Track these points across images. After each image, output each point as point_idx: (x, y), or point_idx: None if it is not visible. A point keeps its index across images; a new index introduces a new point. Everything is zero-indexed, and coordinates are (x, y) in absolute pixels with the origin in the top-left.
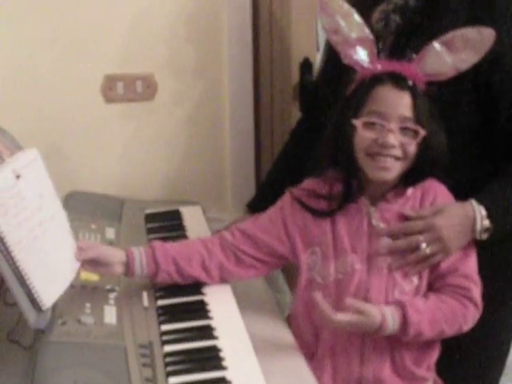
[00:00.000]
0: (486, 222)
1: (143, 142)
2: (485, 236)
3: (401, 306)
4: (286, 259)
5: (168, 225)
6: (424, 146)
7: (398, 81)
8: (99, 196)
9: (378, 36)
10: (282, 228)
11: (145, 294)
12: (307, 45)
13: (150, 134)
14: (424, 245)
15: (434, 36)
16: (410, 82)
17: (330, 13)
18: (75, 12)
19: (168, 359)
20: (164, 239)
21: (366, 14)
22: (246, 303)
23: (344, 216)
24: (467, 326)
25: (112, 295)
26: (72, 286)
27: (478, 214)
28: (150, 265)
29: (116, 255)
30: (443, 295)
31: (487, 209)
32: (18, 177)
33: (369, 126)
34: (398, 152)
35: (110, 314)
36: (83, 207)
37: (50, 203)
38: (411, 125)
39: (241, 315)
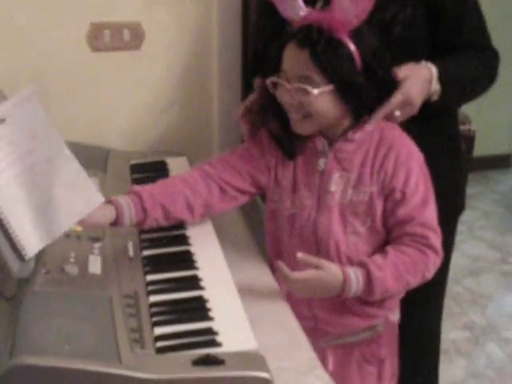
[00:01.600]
0: (437, 86)
1: (129, 91)
2: (434, 98)
3: (362, 264)
4: (263, 189)
5: (153, 175)
6: (346, 94)
7: (302, 38)
8: (83, 146)
9: None
10: (263, 159)
11: (130, 244)
12: None
13: (137, 83)
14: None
15: None
16: (314, 36)
17: None
18: None
19: (153, 309)
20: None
21: None
22: (231, 250)
23: (303, 155)
24: (430, 273)
25: (97, 245)
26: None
27: (434, 75)
28: (139, 214)
29: (106, 214)
30: (402, 246)
31: (439, 73)
32: (1, 120)
33: (276, 85)
34: (297, 111)
35: (95, 264)
36: None
37: (46, 145)
38: (303, 84)
39: (227, 264)
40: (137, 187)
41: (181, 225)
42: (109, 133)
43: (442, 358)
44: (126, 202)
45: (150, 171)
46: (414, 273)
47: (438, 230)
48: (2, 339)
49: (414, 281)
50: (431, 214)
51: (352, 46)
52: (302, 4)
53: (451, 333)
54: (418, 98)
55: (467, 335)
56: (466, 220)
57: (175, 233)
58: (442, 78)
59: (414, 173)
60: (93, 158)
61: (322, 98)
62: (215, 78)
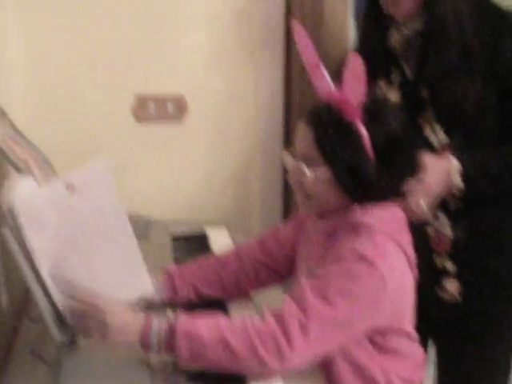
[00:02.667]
0: (458, 179)
1: (172, 161)
2: (455, 191)
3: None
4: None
5: (194, 247)
6: (342, 179)
7: (309, 116)
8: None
9: (396, 55)
10: (294, 239)
11: (169, 312)
12: None
13: (179, 154)
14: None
15: (447, 50)
16: (322, 116)
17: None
18: (108, 32)
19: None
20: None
21: (380, 35)
22: None
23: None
24: (266, 353)
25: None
26: None
27: (454, 168)
28: (169, 291)
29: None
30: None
31: (464, 167)
32: (72, 188)
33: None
34: (299, 191)
35: None
36: None
37: (112, 222)
38: (302, 164)
39: None
40: (171, 266)
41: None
42: (150, 202)
43: None
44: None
45: (191, 242)
46: (239, 337)
47: (310, 325)
48: None
49: (239, 348)
50: (319, 305)
51: (363, 131)
52: (328, 82)
53: None
54: (435, 189)
55: None
56: None
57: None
58: (468, 172)
59: (343, 269)
60: (134, 227)
61: (318, 181)
62: (258, 150)
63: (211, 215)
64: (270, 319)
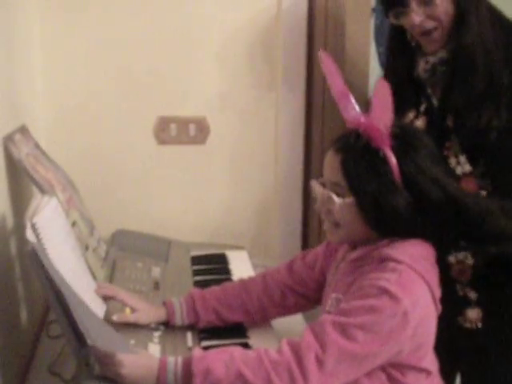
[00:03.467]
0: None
1: (193, 184)
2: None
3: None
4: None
5: (214, 268)
6: (366, 210)
7: (337, 142)
8: (146, 235)
9: (424, 84)
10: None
11: (189, 334)
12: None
13: (200, 176)
14: None
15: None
16: (350, 142)
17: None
18: (132, 54)
19: None
20: (209, 282)
21: (407, 63)
22: None
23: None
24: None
25: (156, 333)
26: (116, 322)
27: None
28: (190, 316)
29: (153, 317)
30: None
31: None
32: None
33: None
34: (327, 218)
35: (154, 353)
36: (130, 246)
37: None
38: (330, 191)
39: None
40: (194, 290)
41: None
42: (171, 224)
43: None
44: (178, 302)
45: (210, 263)
46: (254, 369)
47: (327, 359)
48: None
49: (256, 381)
50: (338, 339)
51: (393, 159)
52: (356, 109)
53: None
54: None
55: None
56: None
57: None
58: None
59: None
60: (155, 248)
61: (345, 209)
62: (278, 177)
63: (231, 239)
64: (287, 350)
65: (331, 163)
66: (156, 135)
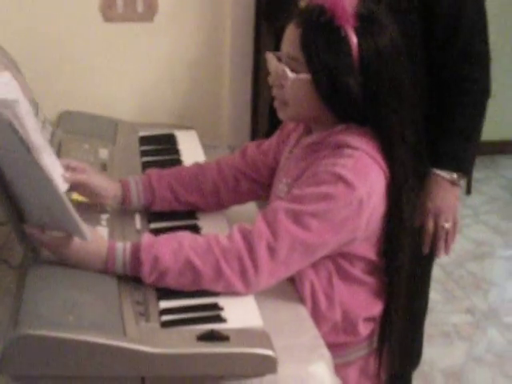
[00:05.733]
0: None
1: (141, 63)
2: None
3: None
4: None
5: (162, 148)
6: (321, 87)
7: (298, 15)
8: (93, 116)
9: None
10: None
11: (137, 217)
12: None
13: (148, 55)
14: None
15: None
16: (312, 17)
17: None
18: None
19: None
20: (158, 163)
21: None
22: None
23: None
24: (232, 273)
25: (104, 216)
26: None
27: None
28: (147, 193)
29: (109, 189)
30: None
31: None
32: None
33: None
34: (278, 94)
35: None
36: (77, 127)
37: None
38: (285, 65)
39: None
40: (150, 169)
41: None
42: (118, 104)
43: (443, 341)
44: (134, 180)
45: (159, 143)
46: (204, 256)
47: (279, 248)
48: (7, 309)
49: (204, 268)
50: (290, 227)
51: (354, 39)
52: None
53: (453, 316)
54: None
55: (469, 319)
56: (472, 204)
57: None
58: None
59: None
60: (102, 129)
61: (298, 85)
62: (228, 56)
63: (180, 120)
64: (237, 237)
65: (290, 37)
66: (102, 12)
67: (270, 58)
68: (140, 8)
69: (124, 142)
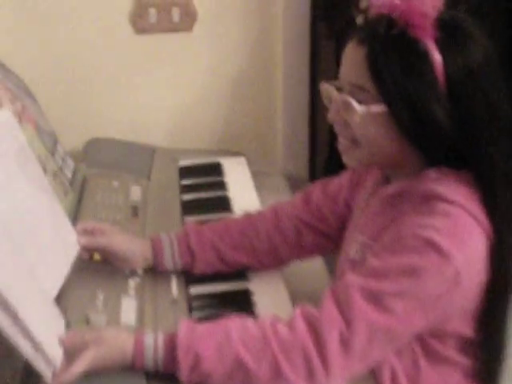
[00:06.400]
0: None
1: (179, 80)
2: None
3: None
4: None
5: (206, 182)
6: (401, 120)
7: (361, 32)
8: (125, 144)
9: None
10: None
11: (174, 279)
12: None
13: (187, 71)
14: None
15: None
16: (380, 30)
17: None
18: None
19: None
20: (201, 202)
21: None
22: None
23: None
24: (294, 373)
25: (133, 281)
26: (82, 267)
27: None
28: (185, 256)
29: (137, 252)
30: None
31: None
32: None
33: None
34: (344, 133)
35: (128, 310)
36: (105, 159)
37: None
38: (349, 97)
39: None
40: (188, 224)
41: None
42: (154, 128)
43: None
44: (168, 239)
45: (203, 175)
46: (257, 353)
47: (355, 340)
48: None
49: (259, 369)
50: (369, 313)
51: (436, 55)
52: None
53: None
54: None
55: None
56: None
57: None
58: None
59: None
60: (135, 159)
61: (369, 121)
62: (280, 67)
63: (226, 144)
64: (301, 326)
65: (352, 59)
66: (133, 22)
67: (327, 89)
68: (176, 17)
69: (161, 176)
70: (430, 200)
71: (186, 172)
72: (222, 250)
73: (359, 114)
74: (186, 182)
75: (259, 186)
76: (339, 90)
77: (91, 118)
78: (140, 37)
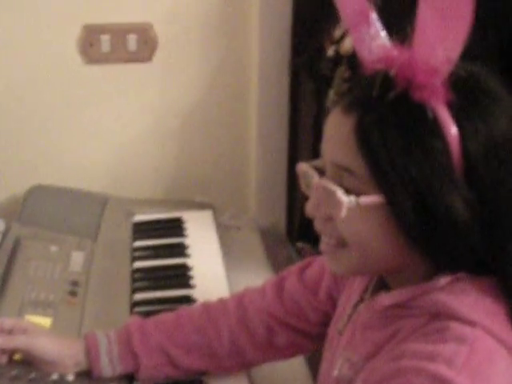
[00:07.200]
0: None
1: (134, 119)
2: None
3: None
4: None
5: (164, 244)
6: (403, 216)
7: (346, 96)
8: (72, 192)
9: None
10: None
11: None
12: None
13: (145, 108)
14: None
15: None
16: (374, 92)
17: None
18: None
19: None
20: (155, 272)
21: None
22: None
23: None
24: None
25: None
26: None
27: None
28: (126, 359)
29: (65, 355)
30: None
31: None
32: None
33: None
34: (326, 231)
35: None
36: (46, 213)
37: None
38: (328, 183)
39: None
40: (132, 319)
41: None
42: (106, 174)
43: None
44: (105, 339)
45: (160, 235)
46: None
47: None
48: None
49: None
50: None
51: (450, 126)
52: (379, 32)
53: None
54: None
55: None
56: None
57: None
58: None
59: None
60: (82, 213)
61: (361, 214)
62: (255, 103)
63: (191, 192)
64: None
65: (337, 131)
66: (82, 51)
67: (306, 171)
68: (133, 45)
69: (111, 235)
70: (439, 318)
71: (140, 230)
72: (172, 354)
73: (346, 206)
74: (139, 243)
75: (229, 244)
76: (320, 172)
77: (30, 162)
78: (90, 68)
